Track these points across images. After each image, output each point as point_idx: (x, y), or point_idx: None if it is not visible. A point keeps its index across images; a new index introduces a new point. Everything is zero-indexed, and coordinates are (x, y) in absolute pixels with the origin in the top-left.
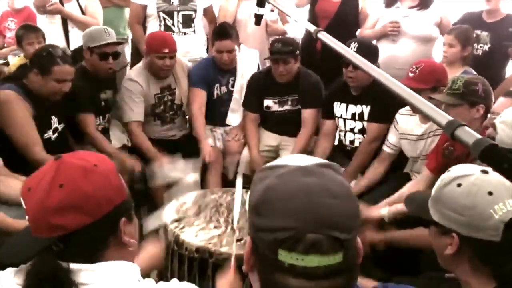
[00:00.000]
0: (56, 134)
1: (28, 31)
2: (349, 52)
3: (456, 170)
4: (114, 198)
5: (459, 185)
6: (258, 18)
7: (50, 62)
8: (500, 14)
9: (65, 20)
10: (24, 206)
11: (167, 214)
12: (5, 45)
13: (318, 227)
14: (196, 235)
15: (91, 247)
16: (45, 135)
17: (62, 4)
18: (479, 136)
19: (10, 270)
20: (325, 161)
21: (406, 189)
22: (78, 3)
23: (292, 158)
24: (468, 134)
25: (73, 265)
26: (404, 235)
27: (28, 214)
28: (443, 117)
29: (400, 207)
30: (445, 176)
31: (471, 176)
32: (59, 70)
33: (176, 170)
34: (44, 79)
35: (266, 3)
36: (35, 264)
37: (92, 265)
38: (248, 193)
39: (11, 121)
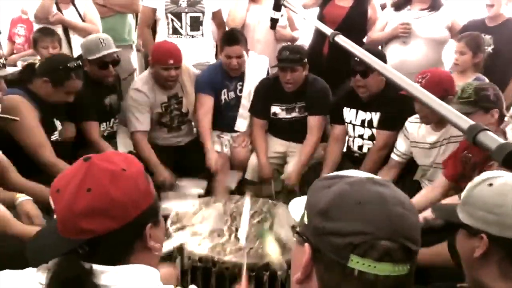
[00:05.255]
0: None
1: (43, 34)
2: (367, 55)
3: (487, 173)
4: (141, 203)
5: (490, 184)
6: (274, 22)
7: (65, 77)
8: (501, 18)
9: (66, 28)
10: (52, 206)
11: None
12: (15, 51)
13: (394, 235)
14: (199, 244)
15: (116, 251)
16: (52, 137)
17: (61, 11)
18: (502, 140)
19: (31, 269)
20: (383, 178)
21: (421, 197)
22: (77, 10)
23: (352, 172)
24: (491, 139)
25: (95, 267)
26: (422, 253)
27: (56, 215)
28: (464, 121)
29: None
30: (475, 179)
31: (502, 177)
32: (72, 84)
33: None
34: (55, 89)
35: (282, 7)
36: (60, 264)
37: (114, 267)
38: (306, 198)
39: (19, 126)
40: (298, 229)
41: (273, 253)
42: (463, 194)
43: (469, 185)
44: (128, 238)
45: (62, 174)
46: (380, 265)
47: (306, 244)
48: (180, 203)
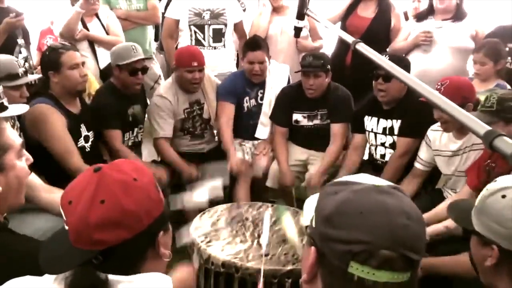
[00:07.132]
0: (89, 143)
1: None
2: (388, 63)
3: (503, 180)
4: (153, 211)
5: (503, 196)
6: (297, 31)
7: (55, 56)
8: None
9: (91, 41)
10: (64, 218)
11: (195, 228)
12: None
13: (394, 245)
14: (222, 250)
15: (130, 260)
16: (78, 143)
17: (85, 26)
18: None
19: (49, 277)
20: (392, 183)
21: (444, 207)
22: (101, 22)
23: (361, 177)
24: (508, 144)
25: (111, 277)
26: (444, 262)
27: (69, 227)
28: (481, 127)
29: (438, 227)
30: (490, 186)
31: None
32: (66, 57)
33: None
34: (61, 74)
35: (306, 16)
36: (75, 275)
37: (129, 277)
38: (315, 204)
39: (49, 134)
40: (308, 230)
41: (290, 231)
42: (478, 199)
43: (484, 192)
44: (141, 246)
45: (72, 185)
46: (379, 273)
47: (313, 247)
48: (199, 193)
